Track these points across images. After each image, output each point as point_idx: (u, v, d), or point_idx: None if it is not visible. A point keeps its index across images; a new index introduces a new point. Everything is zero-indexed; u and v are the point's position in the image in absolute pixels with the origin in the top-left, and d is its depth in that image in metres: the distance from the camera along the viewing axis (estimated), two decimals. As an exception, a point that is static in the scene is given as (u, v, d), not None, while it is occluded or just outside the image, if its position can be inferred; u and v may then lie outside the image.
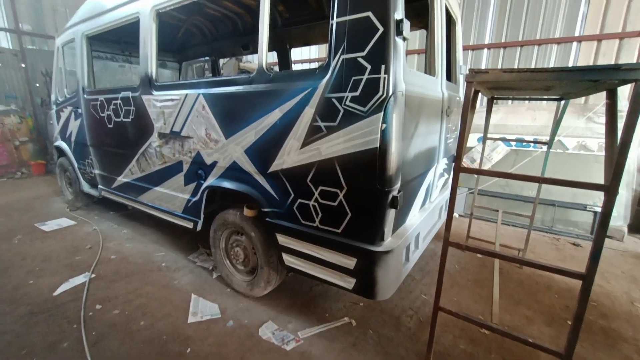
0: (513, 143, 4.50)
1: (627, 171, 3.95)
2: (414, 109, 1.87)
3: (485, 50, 5.69)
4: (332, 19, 1.71)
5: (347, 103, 1.70)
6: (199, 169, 2.61)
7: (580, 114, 4.32)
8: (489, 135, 3.23)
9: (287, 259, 2.21)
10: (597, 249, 1.32)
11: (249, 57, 7.51)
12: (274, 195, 2.15)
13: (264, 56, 2.04)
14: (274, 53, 4.34)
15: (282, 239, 2.19)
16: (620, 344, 2.22)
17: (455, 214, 4.74)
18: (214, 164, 2.46)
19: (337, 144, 1.76)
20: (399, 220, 1.99)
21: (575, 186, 1.37)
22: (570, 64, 5.07)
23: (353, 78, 1.67)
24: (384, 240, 1.82)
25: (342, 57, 1.70)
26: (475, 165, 4.56)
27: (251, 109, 2.11)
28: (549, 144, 2.99)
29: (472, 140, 4.76)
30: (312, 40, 4.08)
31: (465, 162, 4.76)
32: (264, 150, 2.10)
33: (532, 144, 4.30)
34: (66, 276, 2.91)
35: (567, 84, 1.80)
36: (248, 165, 2.22)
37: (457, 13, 2.96)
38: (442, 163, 2.72)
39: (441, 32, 2.34)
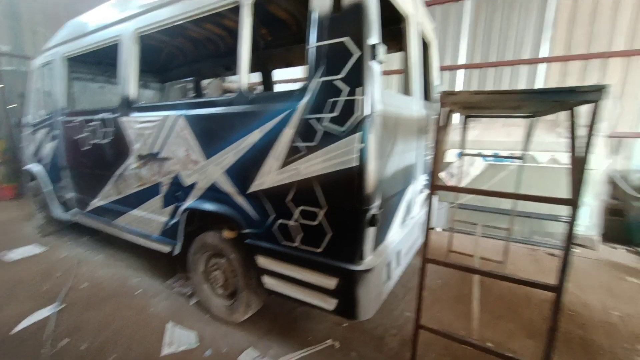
0: (490, 158, 4.67)
1: (597, 182, 4.13)
2: (391, 128, 1.93)
3: (463, 70, 5.98)
4: (311, 43, 1.77)
5: (326, 124, 1.73)
6: (177, 190, 2.57)
7: (550, 129, 4.55)
8: (466, 151, 3.34)
9: (267, 281, 2.17)
10: (565, 262, 1.36)
11: (234, 76, 7.59)
12: (254, 216, 2.13)
13: (244, 78, 2.07)
14: (259, 73, 4.41)
15: (262, 261, 2.15)
16: (599, 355, 2.26)
17: (438, 229, 4.80)
18: (194, 185, 2.42)
19: (316, 164, 1.78)
20: (379, 238, 1.99)
21: (542, 201, 1.42)
22: (539, 84, 5.38)
23: (331, 100, 1.72)
24: (364, 258, 1.81)
25: (321, 79, 1.75)
26: (455, 180, 4.68)
27: (231, 129, 2.12)
28: (522, 158, 3.11)
29: (452, 155, 4.90)
30: (293, 62, 4.17)
31: (445, 177, 4.88)
32: (244, 171, 2.10)
33: (507, 159, 4.46)
34: (33, 307, 2.74)
35: (533, 103, 1.90)
36: (228, 186, 2.20)
37: (431, 37, 3.11)
38: (421, 179, 2.78)
39: (417, 54, 2.44)
